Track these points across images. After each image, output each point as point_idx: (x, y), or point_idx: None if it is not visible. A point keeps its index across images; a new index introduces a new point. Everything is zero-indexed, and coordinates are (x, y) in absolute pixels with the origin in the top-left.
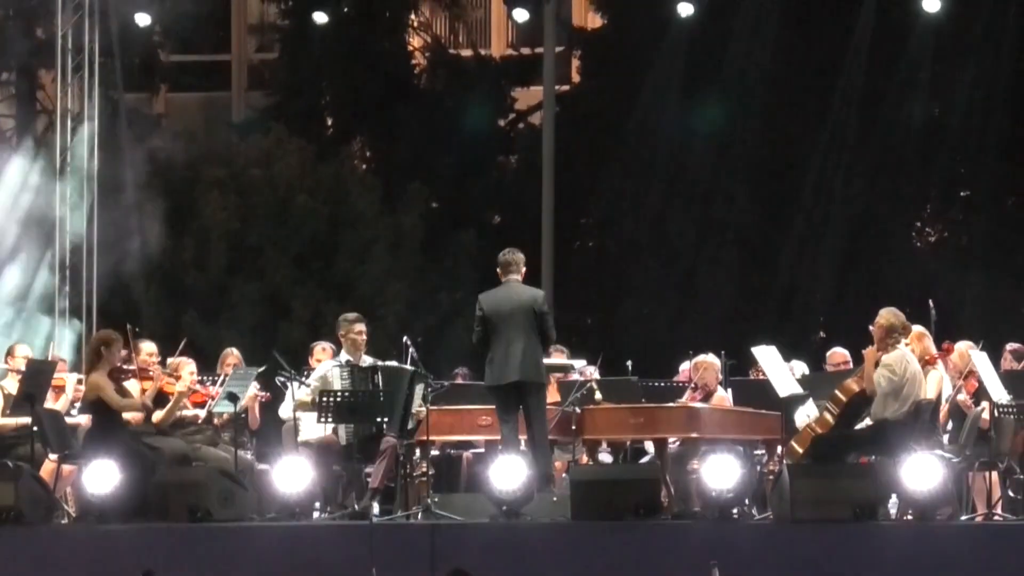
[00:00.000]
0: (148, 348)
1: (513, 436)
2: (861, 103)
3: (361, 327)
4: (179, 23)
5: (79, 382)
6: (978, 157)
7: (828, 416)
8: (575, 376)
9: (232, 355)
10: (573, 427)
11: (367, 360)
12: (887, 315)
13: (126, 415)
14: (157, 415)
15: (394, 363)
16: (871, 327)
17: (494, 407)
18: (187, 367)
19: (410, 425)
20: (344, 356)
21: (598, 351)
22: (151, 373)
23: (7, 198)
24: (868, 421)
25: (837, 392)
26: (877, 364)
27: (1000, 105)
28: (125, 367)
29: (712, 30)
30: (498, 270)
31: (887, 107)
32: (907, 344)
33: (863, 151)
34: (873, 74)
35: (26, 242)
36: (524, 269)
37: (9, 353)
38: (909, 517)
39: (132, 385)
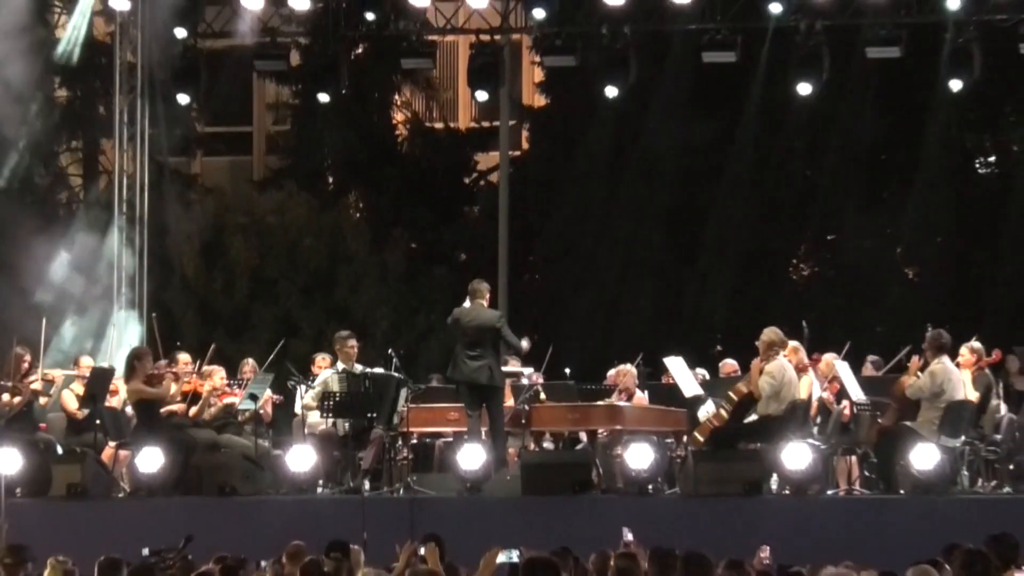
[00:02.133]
0: (184, 358)
1: (476, 427)
2: (751, 165)
3: (353, 342)
4: (211, 102)
5: None
6: (842, 208)
7: (723, 412)
8: (524, 381)
9: (248, 364)
10: (523, 421)
11: (358, 368)
12: (769, 333)
13: (168, 408)
14: (192, 410)
15: (381, 370)
16: (757, 342)
17: (462, 404)
18: (218, 373)
19: (395, 420)
20: (340, 365)
21: (542, 361)
22: (187, 377)
23: (79, 243)
24: (754, 416)
25: (730, 394)
26: (761, 372)
27: (859, 168)
28: (158, 372)
29: (633, 107)
30: (468, 295)
31: (770, 168)
32: (785, 355)
33: (752, 203)
34: (760, 142)
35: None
36: (488, 295)
37: (75, 363)
38: (787, 492)
39: (166, 385)
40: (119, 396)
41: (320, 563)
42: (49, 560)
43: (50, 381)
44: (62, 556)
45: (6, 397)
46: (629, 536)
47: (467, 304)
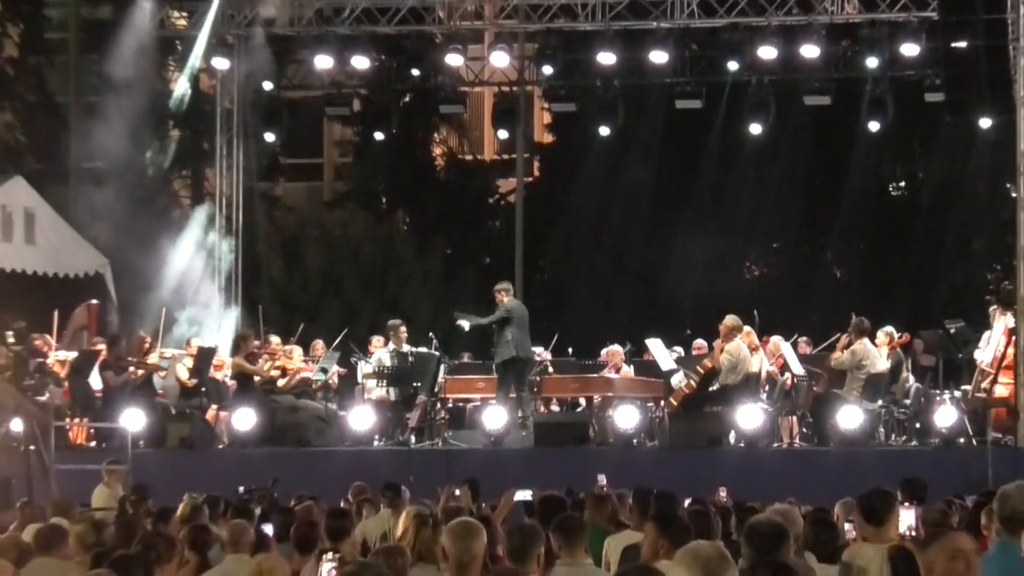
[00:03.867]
0: (275, 340)
1: (506, 392)
2: (712, 188)
3: (403, 328)
4: (291, 139)
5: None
6: (785, 223)
7: (692, 382)
8: (537, 358)
9: (319, 345)
10: (535, 389)
11: (406, 348)
12: (729, 320)
13: (262, 379)
14: (281, 382)
15: (424, 349)
16: (720, 326)
17: (494, 374)
18: (297, 351)
19: (435, 388)
20: (391, 346)
21: (550, 342)
22: (277, 355)
23: (189, 250)
24: (717, 386)
25: (698, 367)
26: (722, 351)
27: (797, 191)
28: (256, 351)
29: (621, 143)
30: (504, 292)
31: (729, 192)
32: (741, 338)
33: (713, 219)
34: (719, 170)
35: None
36: None
37: (187, 344)
38: (742, 445)
39: (260, 364)
40: (221, 370)
41: (373, 499)
42: (185, 496)
43: (167, 358)
44: (191, 494)
45: (132, 371)
46: (603, 480)
47: (515, 300)
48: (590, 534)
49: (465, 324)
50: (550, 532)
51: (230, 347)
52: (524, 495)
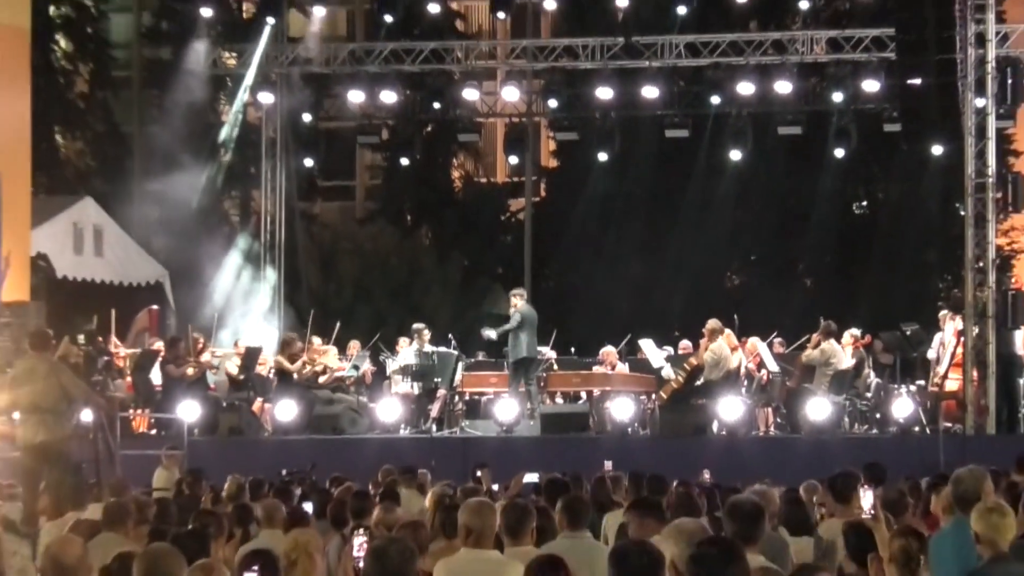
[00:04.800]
0: (316, 340)
1: (517, 386)
2: (697, 208)
3: (426, 331)
4: (327, 164)
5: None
6: (761, 237)
7: (680, 378)
8: (543, 356)
9: (355, 345)
10: (542, 384)
11: (429, 348)
12: (712, 322)
13: (304, 375)
14: (322, 379)
15: (444, 349)
16: (704, 328)
17: (506, 371)
18: (332, 351)
19: (453, 383)
20: (415, 346)
21: (554, 343)
22: (318, 356)
23: (237, 261)
24: (702, 381)
25: (685, 365)
26: (706, 350)
27: (772, 210)
28: (298, 353)
29: (617, 168)
30: (519, 296)
31: (713, 210)
32: (723, 338)
33: (699, 235)
34: (704, 192)
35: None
36: None
37: (236, 344)
38: (724, 433)
39: (297, 365)
40: (266, 366)
41: (397, 480)
42: (229, 477)
43: (218, 357)
44: (236, 475)
45: (188, 368)
46: (609, 465)
47: (527, 306)
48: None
49: (492, 335)
50: (557, 509)
51: (276, 347)
52: (532, 477)
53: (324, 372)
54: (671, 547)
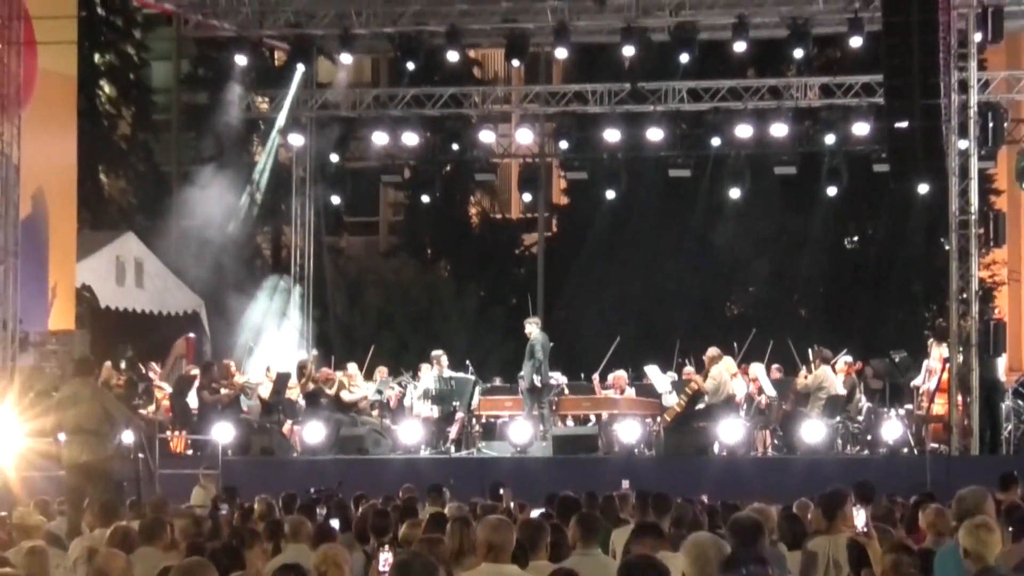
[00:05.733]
0: (351, 367)
1: (531, 410)
2: (699, 242)
3: (444, 357)
4: (352, 202)
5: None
6: (759, 270)
7: (682, 402)
8: (554, 382)
9: (381, 370)
10: (554, 407)
11: (448, 373)
12: (711, 351)
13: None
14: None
15: (462, 375)
16: (704, 357)
17: (520, 396)
18: (359, 377)
19: (470, 406)
20: (435, 371)
21: (565, 368)
22: (333, 380)
23: (270, 299)
24: (703, 405)
25: (686, 389)
26: (706, 375)
27: (768, 244)
28: (323, 376)
29: (624, 205)
30: (534, 324)
31: (713, 244)
32: (722, 364)
33: (700, 266)
34: (705, 227)
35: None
36: None
37: (267, 370)
38: (724, 454)
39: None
40: (294, 392)
41: (416, 498)
42: (256, 498)
43: (251, 385)
44: (264, 495)
45: (223, 393)
46: (626, 484)
47: (542, 334)
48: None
49: (536, 379)
50: (571, 526)
51: (295, 373)
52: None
53: (340, 392)
54: (682, 561)
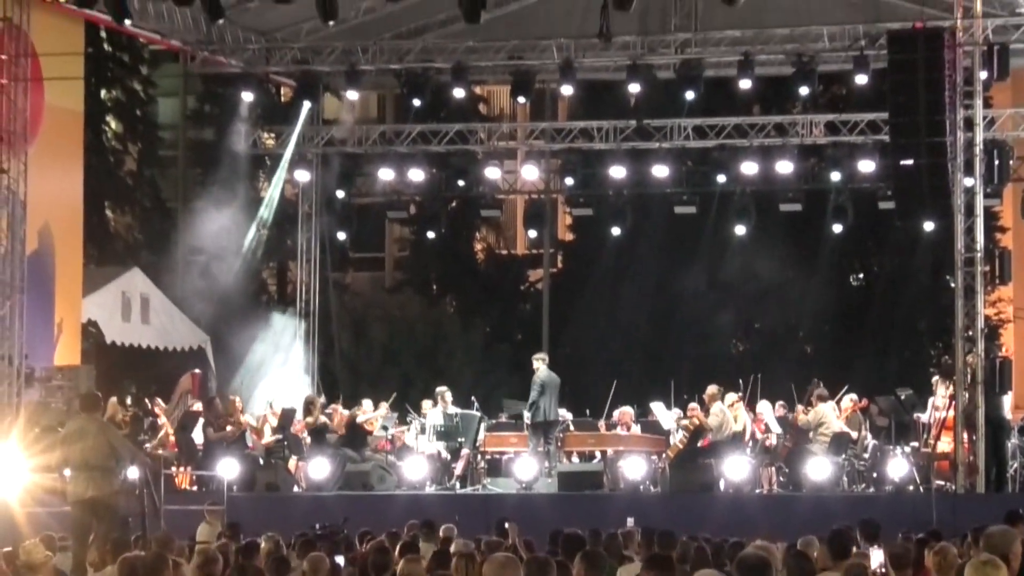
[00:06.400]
0: (367, 403)
1: (536, 446)
2: (704, 280)
3: (448, 394)
4: (358, 238)
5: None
6: (764, 306)
7: (685, 438)
8: (560, 418)
9: (384, 406)
10: (559, 444)
11: (452, 409)
12: (710, 389)
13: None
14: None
15: (467, 411)
16: (704, 395)
17: (526, 432)
18: (371, 415)
19: (476, 443)
20: (439, 408)
21: (570, 405)
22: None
23: (275, 334)
24: (707, 441)
25: (688, 426)
26: (707, 412)
27: (774, 280)
28: (331, 413)
29: (629, 242)
30: (541, 361)
31: (718, 281)
32: (731, 402)
33: (705, 303)
34: (710, 264)
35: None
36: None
37: (271, 406)
38: (730, 490)
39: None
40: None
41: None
42: (263, 535)
43: (255, 422)
44: (271, 532)
45: (228, 429)
46: (631, 522)
47: (548, 372)
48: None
49: (526, 413)
50: (576, 562)
51: (301, 409)
52: None
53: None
54: None
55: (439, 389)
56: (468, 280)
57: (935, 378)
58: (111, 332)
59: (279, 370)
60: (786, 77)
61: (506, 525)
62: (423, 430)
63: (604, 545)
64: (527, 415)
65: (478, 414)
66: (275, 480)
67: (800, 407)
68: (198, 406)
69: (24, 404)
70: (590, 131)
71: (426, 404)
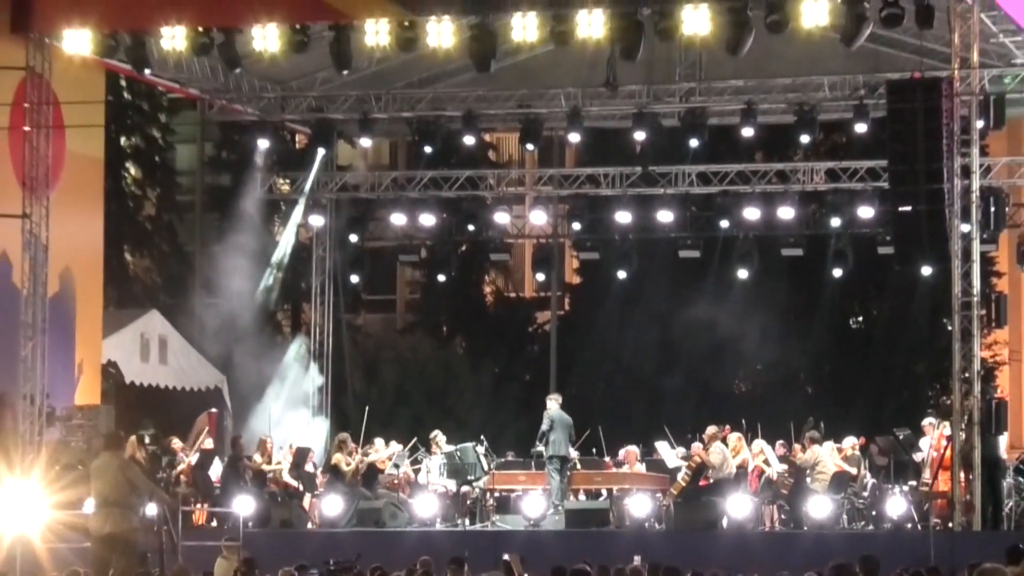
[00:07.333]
0: (379, 442)
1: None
2: (707, 322)
3: (440, 437)
4: (370, 280)
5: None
6: (766, 348)
7: (687, 476)
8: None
9: (394, 444)
10: (567, 481)
11: (447, 448)
12: (710, 429)
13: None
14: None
15: (463, 444)
16: (704, 436)
17: (534, 470)
18: (377, 452)
19: (485, 469)
20: (438, 457)
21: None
22: (355, 452)
23: (287, 368)
24: (709, 480)
25: (690, 464)
26: (707, 451)
27: (776, 323)
28: (353, 452)
29: (634, 285)
30: (554, 400)
31: (721, 324)
32: (735, 441)
33: (708, 345)
34: (713, 307)
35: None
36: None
37: (291, 447)
38: (733, 528)
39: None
40: (311, 464)
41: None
42: (280, 571)
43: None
44: (287, 567)
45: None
46: (637, 560)
47: (559, 411)
48: None
49: (538, 447)
50: None
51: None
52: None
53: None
54: None
55: (431, 435)
56: (478, 322)
57: (925, 420)
58: (130, 372)
59: (294, 409)
60: (788, 125)
61: (505, 557)
62: (430, 469)
63: None
64: (539, 446)
65: (471, 444)
66: (289, 517)
67: (796, 446)
68: (207, 443)
69: (45, 443)
70: (597, 177)
71: (434, 443)
